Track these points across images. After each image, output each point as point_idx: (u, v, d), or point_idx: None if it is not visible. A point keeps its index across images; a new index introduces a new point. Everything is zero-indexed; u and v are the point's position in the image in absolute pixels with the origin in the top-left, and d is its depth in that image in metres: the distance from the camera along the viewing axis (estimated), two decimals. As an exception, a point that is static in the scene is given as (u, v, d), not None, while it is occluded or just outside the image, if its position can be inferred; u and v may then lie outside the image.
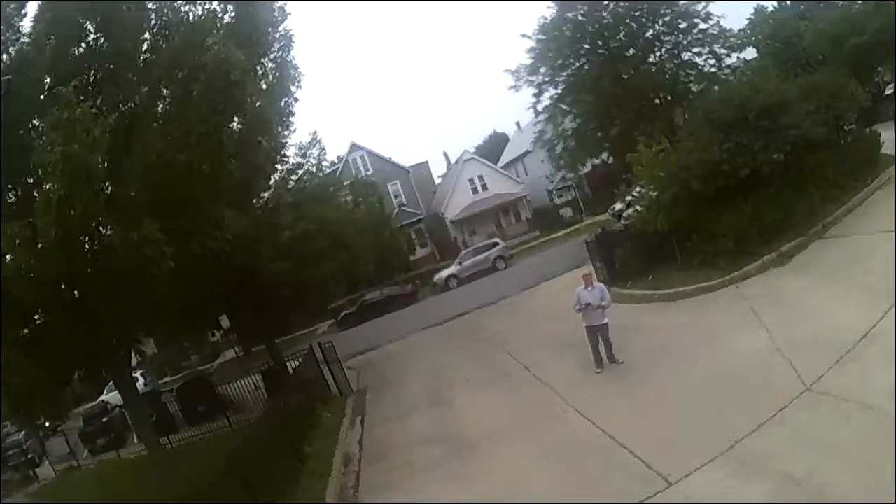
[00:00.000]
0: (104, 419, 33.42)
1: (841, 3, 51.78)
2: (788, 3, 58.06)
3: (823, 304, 15.31)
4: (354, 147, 64.54)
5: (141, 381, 44.11)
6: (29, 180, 16.56)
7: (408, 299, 47.13)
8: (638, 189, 25.08)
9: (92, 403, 39.20)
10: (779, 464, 10.13)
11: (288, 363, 26.16)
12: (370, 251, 34.38)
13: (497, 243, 49.98)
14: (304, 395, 22.05)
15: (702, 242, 21.79)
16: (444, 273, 48.71)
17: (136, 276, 15.90)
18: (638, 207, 25.09)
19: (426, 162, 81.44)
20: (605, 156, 42.54)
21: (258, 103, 21.14)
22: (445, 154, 75.57)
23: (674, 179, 22.19)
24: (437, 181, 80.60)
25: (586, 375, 16.99)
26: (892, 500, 8.57)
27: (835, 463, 9.69)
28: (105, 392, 40.62)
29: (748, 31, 54.79)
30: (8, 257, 15.51)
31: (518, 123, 76.11)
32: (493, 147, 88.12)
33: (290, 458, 16.71)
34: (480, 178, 63.16)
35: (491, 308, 32.40)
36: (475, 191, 62.77)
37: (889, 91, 40.11)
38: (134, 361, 53.41)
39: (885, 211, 19.31)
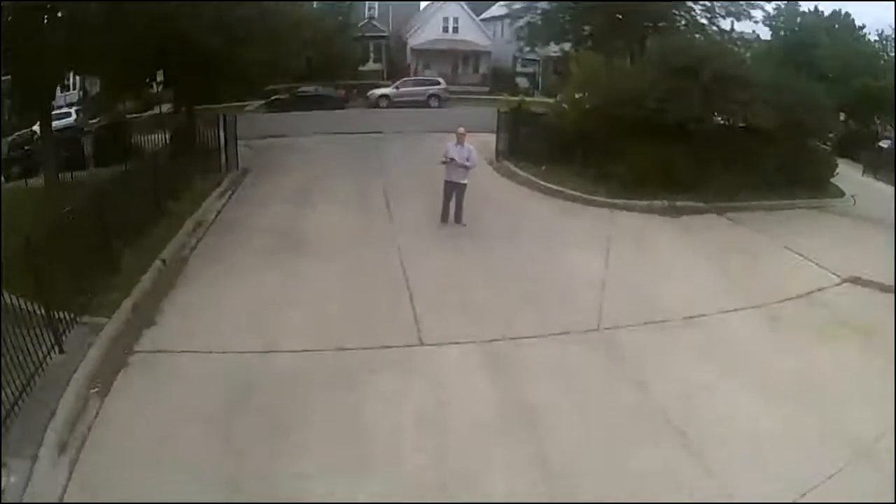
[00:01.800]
0: (26, 147, 34.15)
1: (876, 40, 52.41)
2: (824, 14, 57.96)
3: (678, 270, 15.91)
4: (351, -54, 63.11)
5: (73, 116, 45.06)
6: None
7: (337, 103, 47.95)
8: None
9: (23, 131, 39.84)
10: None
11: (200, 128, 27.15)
12: (307, 49, 35.04)
13: (438, 82, 50.97)
14: (193, 159, 23.58)
15: (604, 159, 22.42)
16: (379, 91, 49.66)
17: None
18: (561, 102, 25.84)
19: (419, -11, 79.92)
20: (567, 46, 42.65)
21: None
22: (436, -15, 74.24)
23: (601, 93, 23.07)
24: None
25: (429, 224, 18.40)
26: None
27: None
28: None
29: (772, 13, 54.48)
30: None
31: (517, -16, 75.07)
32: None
33: (151, 209, 17.94)
34: (455, 20, 63.11)
35: (399, 136, 33.86)
36: (445, 30, 62.80)
37: (884, 144, 39.36)
38: (76, 98, 54.06)
39: (797, 229, 19.74)
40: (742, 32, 41.80)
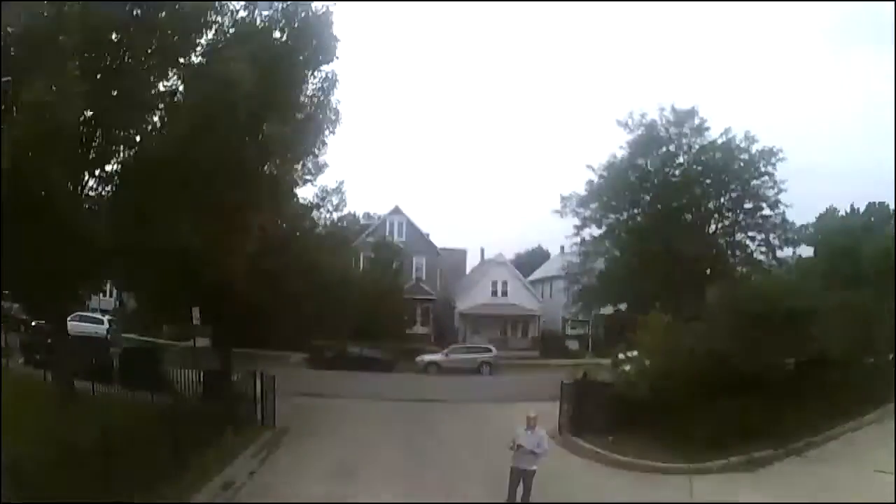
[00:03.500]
0: (49, 340, 33.16)
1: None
2: (860, 210, 58.23)
3: None
4: (397, 211, 65.48)
5: (105, 325, 44.42)
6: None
7: (384, 366, 46.32)
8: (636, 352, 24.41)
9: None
10: None
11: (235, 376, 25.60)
12: (352, 308, 34.32)
13: (489, 349, 49.62)
14: (227, 410, 21.63)
15: (676, 423, 20.84)
16: (428, 357, 48.54)
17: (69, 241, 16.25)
18: (626, 368, 24.45)
19: (465, 251, 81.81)
20: (623, 306, 41.91)
21: (267, 132, 20.69)
22: (482, 250, 75.97)
23: (671, 355, 21.89)
24: (469, 271, 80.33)
25: None
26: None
27: None
28: (70, 319, 40.51)
29: (812, 230, 54.43)
30: None
31: (562, 247, 76.38)
32: (531, 261, 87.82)
33: (170, 462, 16.03)
34: (504, 283, 63.29)
35: (452, 406, 31.85)
36: (494, 293, 62.81)
37: None
38: (112, 305, 53.90)
39: (875, 445, 18.81)
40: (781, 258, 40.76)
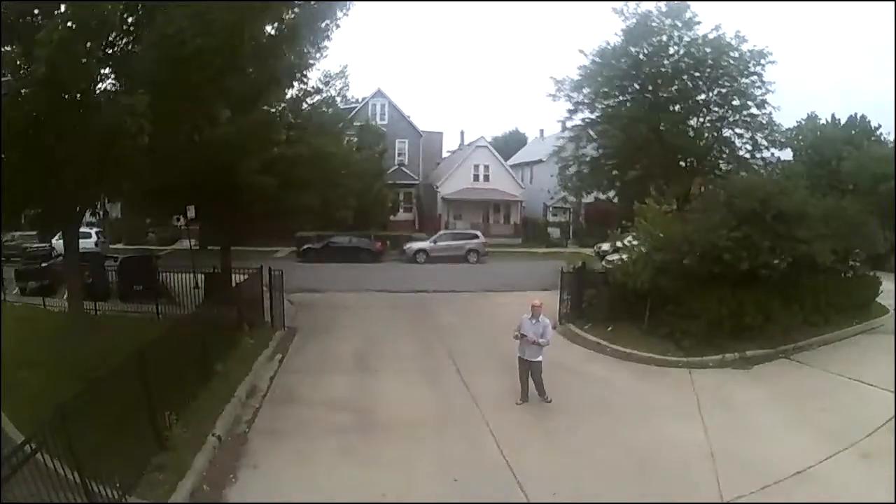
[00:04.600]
0: (44, 263, 32.31)
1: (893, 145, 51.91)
2: (840, 122, 58.40)
3: (769, 425, 15.07)
4: (379, 94, 64.01)
5: (94, 238, 43.42)
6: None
7: (373, 256, 46.66)
8: (630, 239, 24.39)
9: (40, 244, 37.56)
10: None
11: (233, 275, 25.37)
12: (354, 197, 33.92)
13: (476, 236, 49.57)
14: (237, 312, 21.40)
15: (673, 316, 21.60)
16: (416, 245, 48.39)
17: (110, 139, 15.41)
18: (624, 257, 24.34)
19: (441, 133, 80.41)
20: (611, 193, 42.03)
21: (294, 13, 20.10)
22: (462, 133, 75.32)
23: (671, 246, 21.93)
24: (445, 154, 79.76)
25: (511, 400, 16.48)
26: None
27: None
28: (58, 237, 39.54)
29: (794, 133, 54.61)
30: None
31: (542, 131, 75.71)
32: (509, 144, 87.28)
33: (197, 372, 15.95)
34: (486, 167, 62.60)
35: (449, 297, 32.00)
36: (476, 178, 62.23)
37: None
38: (96, 217, 52.77)
39: (858, 358, 19.68)
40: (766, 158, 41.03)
